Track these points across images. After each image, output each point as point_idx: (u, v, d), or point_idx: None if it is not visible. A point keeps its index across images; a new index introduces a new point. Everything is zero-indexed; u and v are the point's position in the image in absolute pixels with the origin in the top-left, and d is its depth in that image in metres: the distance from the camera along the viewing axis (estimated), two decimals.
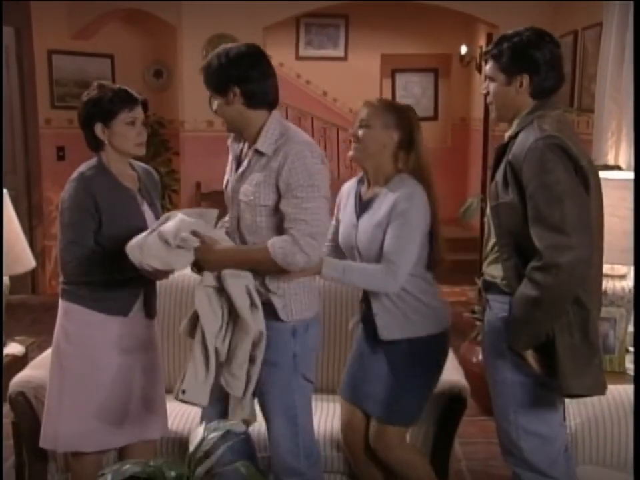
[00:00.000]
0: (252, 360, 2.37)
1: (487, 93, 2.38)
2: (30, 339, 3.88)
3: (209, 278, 2.39)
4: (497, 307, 2.32)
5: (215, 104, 2.41)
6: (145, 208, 2.63)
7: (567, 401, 2.49)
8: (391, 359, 2.61)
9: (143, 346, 2.64)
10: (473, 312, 4.21)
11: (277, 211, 2.35)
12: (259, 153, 2.38)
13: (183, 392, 2.38)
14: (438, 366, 2.65)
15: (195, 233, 2.36)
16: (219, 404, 2.47)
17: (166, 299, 3.21)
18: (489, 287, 2.37)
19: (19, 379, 2.84)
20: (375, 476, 2.79)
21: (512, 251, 2.26)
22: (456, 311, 5.36)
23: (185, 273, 2.73)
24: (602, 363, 2.32)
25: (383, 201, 2.55)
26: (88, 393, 2.55)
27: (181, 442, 2.81)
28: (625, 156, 4.01)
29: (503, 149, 2.30)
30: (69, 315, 2.58)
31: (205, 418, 2.47)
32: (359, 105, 2.66)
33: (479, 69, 7.87)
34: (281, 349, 2.42)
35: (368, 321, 2.65)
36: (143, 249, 2.34)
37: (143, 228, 2.47)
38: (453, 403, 2.78)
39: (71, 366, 2.56)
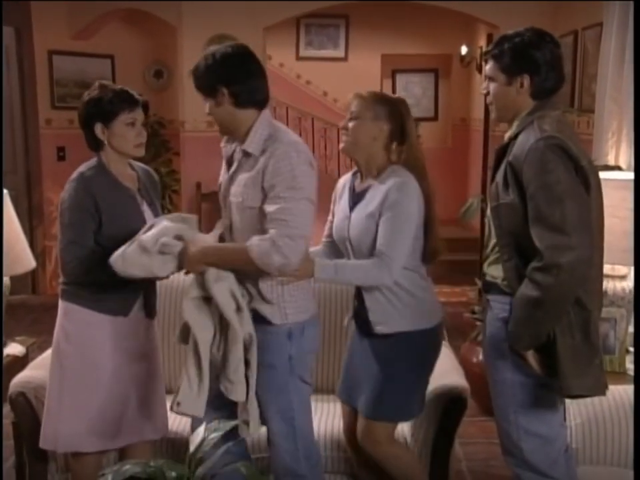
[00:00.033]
0: (247, 363, 2.37)
1: (487, 93, 2.37)
2: (30, 339, 3.87)
3: (194, 289, 2.38)
4: (498, 307, 2.32)
5: (207, 106, 2.41)
6: (145, 208, 2.63)
7: (568, 401, 2.49)
8: (376, 355, 2.58)
9: (143, 346, 2.64)
10: (474, 312, 4.21)
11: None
12: (246, 154, 2.38)
13: (178, 404, 2.38)
14: (427, 361, 2.61)
15: (179, 237, 2.37)
16: (216, 412, 2.39)
17: (166, 299, 3.21)
18: (490, 287, 2.37)
19: (19, 380, 2.84)
20: (380, 478, 2.75)
21: (512, 251, 2.25)
22: (456, 311, 5.41)
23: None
24: (602, 364, 2.31)
25: (375, 193, 2.52)
26: (88, 393, 2.55)
27: (181, 442, 2.80)
28: (625, 156, 4.00)
29: (503, 150, 2.30)
30: (69, 315, 2.58)
31: (194, 429, 2.42)
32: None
33: (479, 69, 7.88)
34: (276, 351, 2.41)
35: (359, 316, 2.63)
36: (124, 258, 2.35)
37: (142, 228, 2.47)
38: (453, 403, 2.77)
39: (71, 366, 2.56)
